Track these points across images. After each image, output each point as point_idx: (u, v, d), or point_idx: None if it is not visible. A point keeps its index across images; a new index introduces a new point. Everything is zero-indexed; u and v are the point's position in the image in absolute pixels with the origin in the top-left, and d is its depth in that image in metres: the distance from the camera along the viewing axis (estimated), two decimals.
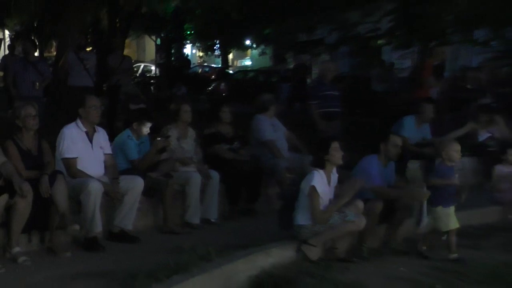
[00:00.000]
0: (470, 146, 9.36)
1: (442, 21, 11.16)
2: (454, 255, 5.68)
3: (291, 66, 21.41)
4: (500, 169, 7.78)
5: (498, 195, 7.59)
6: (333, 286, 4.82)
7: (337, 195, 5.65)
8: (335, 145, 5.62)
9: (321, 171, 5.60)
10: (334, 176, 5.73)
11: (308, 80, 17.27)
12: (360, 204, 5.64)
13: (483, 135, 9.21)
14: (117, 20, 12.43)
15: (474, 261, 5.62)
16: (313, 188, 5.47)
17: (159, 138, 6.55)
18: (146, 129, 6.55)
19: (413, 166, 8.58)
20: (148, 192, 6.16)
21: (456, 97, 9.92)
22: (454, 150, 5.84)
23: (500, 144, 8.61)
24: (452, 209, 5.75)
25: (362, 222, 5.58)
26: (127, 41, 14.71)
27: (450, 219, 5.72)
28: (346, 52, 15.75)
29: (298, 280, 4.93)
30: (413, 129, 8.48)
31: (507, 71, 13.16)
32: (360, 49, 13.85)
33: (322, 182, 5.56)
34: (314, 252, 5.51)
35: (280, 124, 7.92)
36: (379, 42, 13.57)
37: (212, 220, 6.68)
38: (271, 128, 7.73)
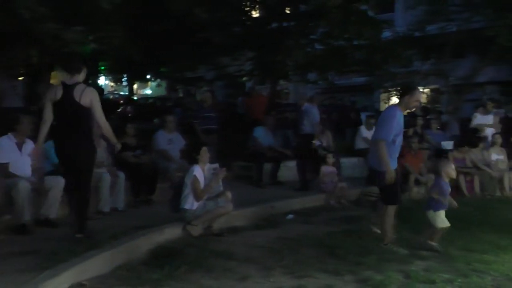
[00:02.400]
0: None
1: (285, 66, 11.56)
2: (435, 244, 5.14)
3: (181, 94, 21.23)
4: (325, 168, 8.13)
5: (323, 186, 7.91)
6: (209, 253, 4.81)
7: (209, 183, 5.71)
8: (204, 149, 5.74)
9: (198, 166, 5.65)
10: (208, 169, 5.75)
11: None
12: (228, 194, 5.70)
13: (316, 142, 9.59)
14: (44, 57, 11.63)
15: (308, 232, 5.78)
16: (195, 177, 5.53)
17: None
18: None
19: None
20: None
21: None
22: (452, 169, 5.31)
23: (325, 150, 9.02)
24: (444, 212, 5.20)
25: (230, 207, 5.65)
26: (53, 73, 13.79)
27: (444, 219, 5.18)
28: (221, 85, 15.90)
29: (184, 250, 4.87)
30: (263, 136, 8.83)
31: (329, 101, 13.88)
32: (230, 83, 14.03)
33: (199, 173, 5.62)
34: (195, 230, 5.48)
35: (180, 138, 7.80)
36: (243, 79, 13.80)
37: (119, 209, 6.43)
38: (166, 141, 7.63)
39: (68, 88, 4.66)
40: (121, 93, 26.50)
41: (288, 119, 10.02)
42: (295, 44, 11.22)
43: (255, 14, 12.13)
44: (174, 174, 6.96)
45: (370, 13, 12.08)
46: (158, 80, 20.68)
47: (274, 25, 11.47)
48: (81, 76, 4.79)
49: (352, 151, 10.33)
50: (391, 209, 5.18)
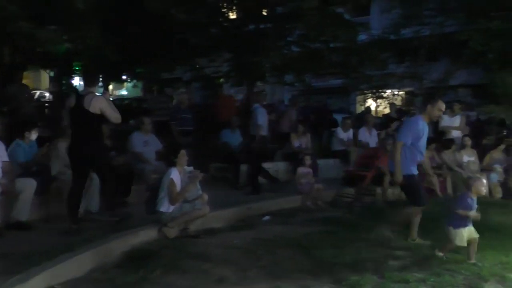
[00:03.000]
0: (284, 155, 9.83)
1: (262, 68, 11.59)
2: (472, 261, 4.78)
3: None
4: (301, 170, 8.16)
5: (300, 187, 7.94)
6: (185, 255, 4.77)
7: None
8: (182, 152, 5.70)
9: (175, 169, 5.61)
10: (185, 172, 5.72)
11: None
12: (205, 196, 5.68)
13: (295, 144, 9.67)
14: (16, 57, 11.38)
15: (284, 233, 5.77)
16: (172, 180, 5.49)
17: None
18: (34, 135, 6.19)
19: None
20: (41, 190, 5.72)
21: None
22: (483, 185, 4.94)
23: (304, 152, 8.98)
24: (464, 230, 4.82)
25: (206, 209, 5.63)
26: (25, 73, 13.49)
27: (463, 238, 4.80)
28: (197, 86, 15.79)
29: (160, 253, 4.81)
30: (231, 138, 8.82)
31: (305, 103, 13.94)
32: (207, 85, 13.96)
33: (176, 176, 5.58)
34: (171, 232, 5.44)
35: (155, 140, 7.73)
36: (221, 80, 13.78)
37: (93, 211, 6.32)
38: (142, 143, 7.55)
39: (80, 98, 5.35)
40: (96, 94, 26.10)
41: None
42: (272, 46, 11.27)
43: (232, 15, 12.14)
44: (150, 176, 6.89)
45: (347, 16, 12.23)
46: (134, 81, 20.45)
47: (251, 26, 11.49)
48: (94, 88, 5.58)
49: (328, 153, 10.42)
50: (416, 210, 5.38)
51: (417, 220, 5.42)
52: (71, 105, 5.35)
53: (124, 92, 31.91)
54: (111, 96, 26.71)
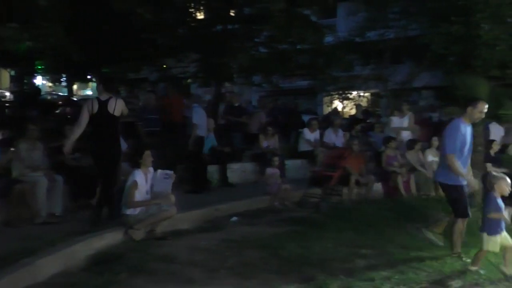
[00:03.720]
0: (252, 155, 9.83)
1: (230, 69, 11.55)
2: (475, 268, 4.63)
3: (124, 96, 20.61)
4: (269, 170, 8.19)
5: (268, 187, 7.96)
6: (151, 257, 4.71)
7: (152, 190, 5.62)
8: (147, 153, 5.62)
9: (140, 170, 5.53)
10: (150, 174, 5.64)
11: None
12: (172, 197, 5.62)
13: (264, 144, 9.67)
14: None
15: (252, 234, 5.76)
16: (135, 182, 5.41)
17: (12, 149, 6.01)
18: None
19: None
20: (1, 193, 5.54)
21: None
22: (507, 185, 4.69)
23: (272, 153, 8.98)
24: (499, 237, 4.60)
25: (173, 211, 5.57)
26: None
27: (496, 244, 4.58)
28: (164, 87, 15.57)
29: (126, 255, 4.73)
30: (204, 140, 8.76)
31: (272, 104, 13.96)
32: (174, 85, 13.78)
33: (141, 178, 5.50)
34: (138, 234, 5.35)
35: (121, 142, 7.59)
36: (188, 81, 13.65)
37: (57, 214, 6.16)
38: None
39: (103, 103, 5.67)
40: (60, 93, 25.47)
41: (231, 121, 10.05)
42: (239, 47, 11.25)
43: (200, 16, 12.06)
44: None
45: (313, 18, 12.35)
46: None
47: (219, 27, 11.45)
48: (113, 92, 5.86)
49: (296, 153, 10.49)
50: (461, 222, 5.17)
51: (460, 232, 5.13)
52: (94, 110, 5.63)
53: (89, 92, 31.24)
54: (75, 97, 26.22)
